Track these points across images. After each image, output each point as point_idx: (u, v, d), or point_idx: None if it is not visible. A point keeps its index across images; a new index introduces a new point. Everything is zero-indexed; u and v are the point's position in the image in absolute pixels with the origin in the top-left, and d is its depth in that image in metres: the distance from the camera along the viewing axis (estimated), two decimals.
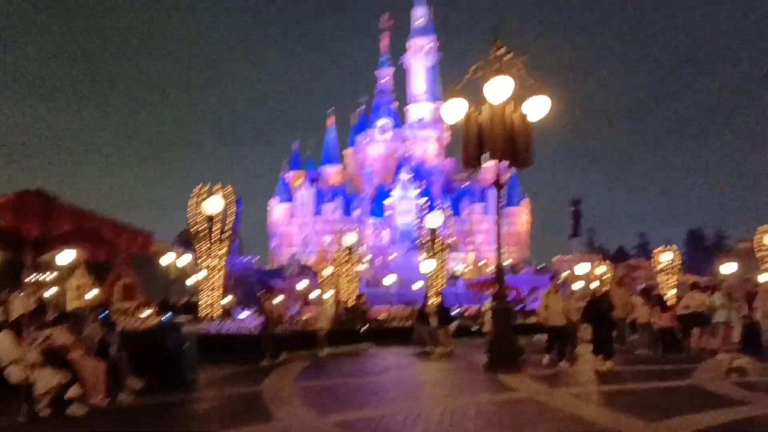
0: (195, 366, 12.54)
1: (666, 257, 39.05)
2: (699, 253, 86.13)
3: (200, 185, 23.45)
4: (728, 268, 28.77)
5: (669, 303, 21.14)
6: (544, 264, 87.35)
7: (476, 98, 13.59)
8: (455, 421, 7.62)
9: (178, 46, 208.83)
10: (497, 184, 13.17)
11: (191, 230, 23.85)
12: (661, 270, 38.75)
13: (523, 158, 12.98)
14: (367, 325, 22.87)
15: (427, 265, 25.61)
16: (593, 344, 13.50)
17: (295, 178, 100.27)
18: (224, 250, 23.52)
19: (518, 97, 13.21)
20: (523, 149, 12.97)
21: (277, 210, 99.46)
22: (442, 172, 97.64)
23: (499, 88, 12.57)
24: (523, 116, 13.01)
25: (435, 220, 26.34)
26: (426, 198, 57.47)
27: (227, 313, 24.82)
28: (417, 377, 12.43)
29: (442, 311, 20.93)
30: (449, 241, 27.24)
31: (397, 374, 13.22)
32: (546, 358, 14.02)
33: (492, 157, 13.02)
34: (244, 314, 22.72)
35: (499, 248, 13.21)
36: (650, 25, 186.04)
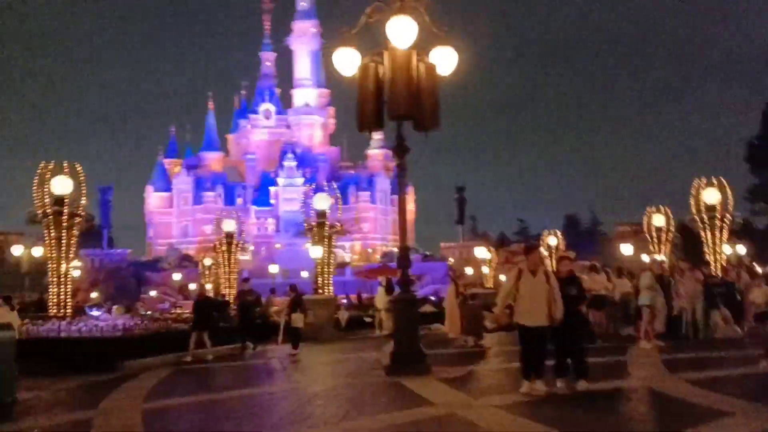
0: (11, 385, 9.54)
1: (552, 241, 38.99)
2: (576, 238, 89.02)
3: (44, 162, 19.84)
4: (626, 249, 28.30)
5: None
6: (429, 252, 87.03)
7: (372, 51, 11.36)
8: None
9: (47, 24, 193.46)
10: (400, 149, 10.92)
11: (37, 214, 20.20)
12: (549, 254, 38.68)
13: (429, 118, 10.82)
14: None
15: (314, 251, 23.14)
16: (558, 357, 8.61)
17: (172, 165, 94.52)
18: (75, 238, 20.03)
19: (421, 48, 11.07)
20: (430, 107, 10.81)
21: (154, 199, 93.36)
22: (327, 159, 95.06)
23: (403, 30, 10.32)
24: (430, 68, 10.85)
25: (323, 202, 23.89)
26: (312, 183, 54.93)
27: (81, 310, 21.29)
28: (304, 388, 9.97)
29: (199, 308, 15.71)
30: (338, 226, 24.88)
31: (280, 384, 10.77)
32: (525, 386, 8.29)
33: (392, 116, 10.79)
34: (97, 312, 19.32)
35: (403, 227, 11.03)
36: (535, 16, 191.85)
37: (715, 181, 26.28)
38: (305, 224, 25.34)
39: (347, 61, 11.06)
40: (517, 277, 8.44)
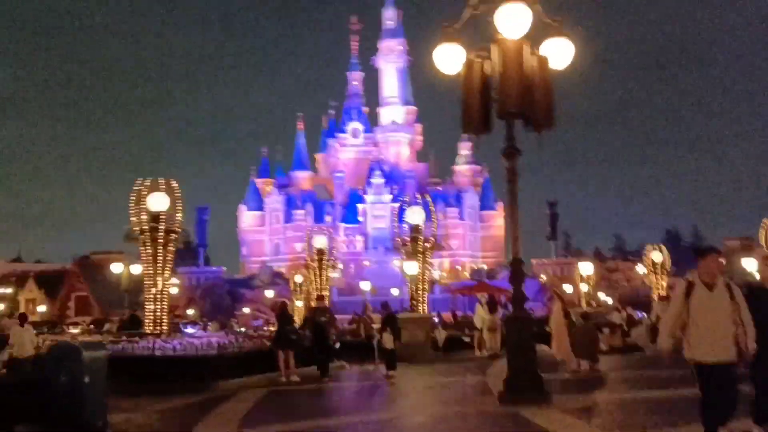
0: (103, 407, 9.06)
1: (657, 257, 36.52)
2: (677, 254, 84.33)
3: (142, 179, 19.90)
4: (749, 264, 25.97)
5: None
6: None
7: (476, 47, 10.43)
8: None
9: (136, 50, 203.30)
10: (511, 150, 9.87)
11: (134, 231, 20.26)
12: (653, 272, 36.24)
13: (543, 116, 9.74)
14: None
15: (410, 267, 22.23)
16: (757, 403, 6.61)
17: (264, 184, 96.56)
18: (171, 255, 19.92)
19: (532, 40, 10.05)
20: (544, 104, 9.73)
21: (247, 217, 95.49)
22: (414, 176, 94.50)
23: (516, 17, 9.31)
24: (543, 61, 9.79)
25: (416, 216, 23.03)
26: (401, 200, 54.22)
27: (176, 328, 21.17)
28: (410, 417, 8.99)
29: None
30: (432, 240, 23.90)
31: (383, 412, 9.82)
32: None
33: (502, 114, 9.77)
34: (192, 329, 19.04)
35: (515, 237, 9.95)
36: (622, 27, 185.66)
37: None
38: (397, 240, 24.57)
39: (450, 58, 10.12)
40: (686, 293, 5.93)
